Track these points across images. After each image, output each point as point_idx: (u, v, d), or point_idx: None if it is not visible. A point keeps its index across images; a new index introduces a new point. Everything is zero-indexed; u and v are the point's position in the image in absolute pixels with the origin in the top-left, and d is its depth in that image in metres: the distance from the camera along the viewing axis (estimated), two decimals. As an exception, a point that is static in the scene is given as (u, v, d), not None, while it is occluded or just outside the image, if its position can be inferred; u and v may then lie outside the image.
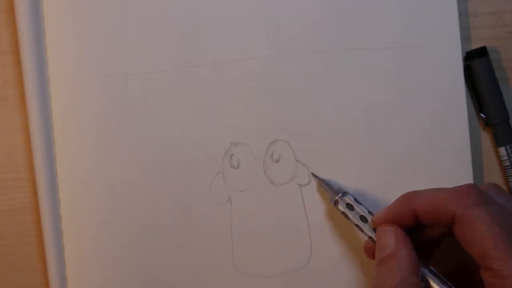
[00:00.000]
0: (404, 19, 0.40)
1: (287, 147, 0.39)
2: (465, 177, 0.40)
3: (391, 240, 0.32)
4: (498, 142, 0.41)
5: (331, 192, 0.37)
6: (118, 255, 0.38)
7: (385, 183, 0.39)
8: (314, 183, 0.39)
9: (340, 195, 0.37)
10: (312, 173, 0.39)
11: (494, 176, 0.42)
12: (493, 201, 0.30)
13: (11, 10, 0.38)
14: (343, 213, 0.36)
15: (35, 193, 0.39)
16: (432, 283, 0.31)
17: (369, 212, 0.35)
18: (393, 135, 0.40)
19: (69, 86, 0.38)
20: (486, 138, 0.42)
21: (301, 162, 0.39)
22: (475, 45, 0.41)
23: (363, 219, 0.35)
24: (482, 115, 0.41)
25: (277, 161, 0.39)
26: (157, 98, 0.39)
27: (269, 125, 0.39)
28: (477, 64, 0.40)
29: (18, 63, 0.38)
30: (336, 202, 0.37)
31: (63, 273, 0.38)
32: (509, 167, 0.41)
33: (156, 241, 0.39)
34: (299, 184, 0.39)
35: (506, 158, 0.41)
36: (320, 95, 0.39)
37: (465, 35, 0.41)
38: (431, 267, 0.32)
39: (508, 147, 0.41)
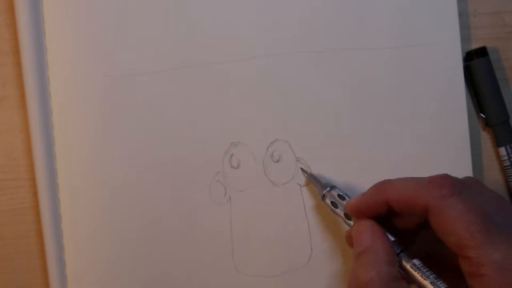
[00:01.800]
0: (404, 19, 0.40)
1: (287, 147, 0.39)
2: (465, 177, 0.40)
3: (367, 234, 0.32)
4: (498, 142, 0.41)
5: (319, 186, 0.38)
6: (118, 255, 0.38)
7: (385, 182, 0.39)
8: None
9: (327, 189, 0.37)
10: (301, 168, 0.39)
11: (494, 176, 0.42)
12: (467, 191, 0.30)
13: (11, 10, 0.38)
14: (330, 207, 0.36)
15: (35, 193, 0.39)
16: (411, 271, 0.31)
17: None
18: (393, 135, 0.40)
19: (69, 86, 0.38)
20: (486, 138, 0.42)
21: (301, 162, 0.39)
22: (475, 45, 0.41)
23: (347, 216, 0.35)
24: (482, 115, 0.41)
25: (277, 161, 0.39)
26: (156, 98, 0.39)
27: (269, 125, 0.39)
28: (477, 64, 0.40)
29: (18, 63, 0.38)
30: (324, 196, 0.37)
31: (63, 273, 0.38)
32: (509, 167, 0.41)
33: (156, 241, 0.39)
34: (299, 184, 0.39)
35: (506, 158, 0.41)
36: (320, 95, 0.39)
37: (465, 35, 0.41)
38: (412, 260, 0.32)
39: (508, 147, 0.41)
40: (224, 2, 0.39)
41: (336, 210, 0.36)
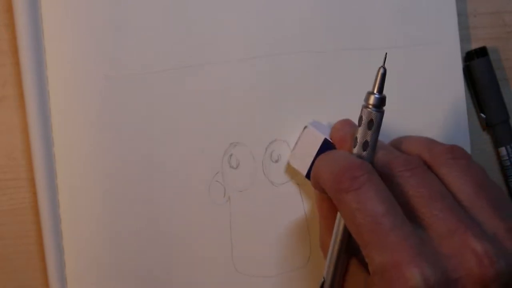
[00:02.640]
0: (404, 19, 0.40)
1: (286, 147, 0.39)
2: (465, 177, 0.40)
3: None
4: (498, 142, 0.41)
5: None
6: (117, 255, 0.38)
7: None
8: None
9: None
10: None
11: (494, 176, 0.42)
12: (366, 186, 0.29)
13: (10, 10, 0.38)
14: None
15: (35, 193, 0.39)
16: None
17: None
18: (393, 135, 0.39)
19: (68, 86, 0.38)
20: (486, 138, 0.42)
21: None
22: (475, 45, 0.41)
23: None
24: (482, 115, 0.41)
25: (276, 161, 0.39)
26: (156, 98, 0.39)
27: (268, 125, 0.39)
28: (477, 64, 0.40)
29: (17, 63, 0.38)
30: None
31: (62, 273, 0.38)
32: (509, 167, 0.41)
33: (156, 241, 0.39)
34: (298, 184, 0.39)
35: (506, 158, 0.41)
36: (320, 95, 0.39)
37: (465, 35, 0.41)
38: None
39: (508, 147, 0.41)
40: (224, 2, 0.39)
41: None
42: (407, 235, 0.27)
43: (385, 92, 0.40)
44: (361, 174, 0.29)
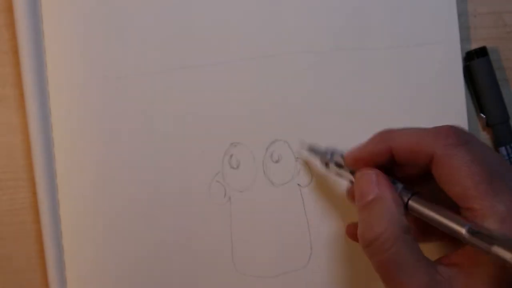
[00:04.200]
0: (404, 19, 0.40)
1: (286, 148, 0.39)
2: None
3: (373, 183, 0.31)
4: (498, 142, 0.41)
5: (320, 154, 0.36)
6: (117, 255, 0.38)
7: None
8: (314, 183, 0.39)
9: (329, 155, 0.35)
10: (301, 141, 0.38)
11: (494, 176, 0.42)
12: (473, 141, 0.29)
13: (10, 10, 0.38)
14: (336, 171, 0.35)
15: (34, 193, 0.39)
16: (426, 211, 0.30)
17: None
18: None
19: (68, 87, 0.38)
20: (486, 138, 0.42)
21: (300, 162, 0.39)
22: (475, 45, 0.41)
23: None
24: (482, 115, 0.41)
25: (277, 161, 0.39)
26: (156, 99, 0.39)
27: (268, 126, 0.39)
28: (477, 64, 0.40)
29: (18, 64, 0.38)
30: (326, 164, 0.36)
31: (62, 273, 0.38)
32: (509, 167, 0.41)
33: (156, 241, 0.39)
34: (299, 185, 0.39)
35: (507, 158, 0.41)
36: (320, 95, 0.39)
37: (465, 35, 0.41)
38: (423, 201, 0.30)
39: (508, 147, 0.41)
40: (224, 3, 0.39)
41: (342, 170, 0.34)
42: None
43: (385, 91, 0.40)
44: None
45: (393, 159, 0.31)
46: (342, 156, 0.34)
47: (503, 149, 0.41)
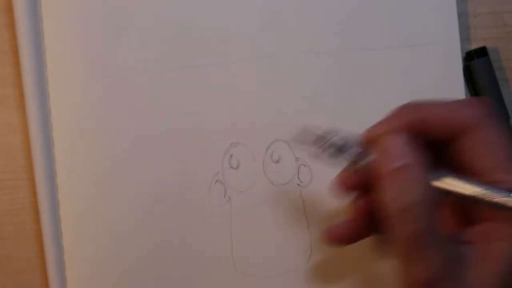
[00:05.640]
0: (404, 19, 0.40)
1: (286, 148, 0.39)
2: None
3: (405, 148, 0.27)
4: (498, 142, 0.41)
5: (318, 136, 0.32)
6: (117, 255, 0.38)
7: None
8: (314, 183, 0.39)
9: (330, 136, 0.31)
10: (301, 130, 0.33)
11: (494, 176, 0.42)
12: (499, 116, 0.29)
13: (10, 10, 0.38)
14: (334, 156, 0.31)
15: (35, 193, 0.39)
16: (458, 183, 0.28)
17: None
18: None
19: (68, 87, 0.38)
20: (486, 138, 0.42)
21: (300, 162, 0.39)
22: (475, 45, 0.41)
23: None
24: (482, 115, 0.41)
25: (277, 161, 0.39)
26: (156, 99, 0.39)
27: (268, 125, 0.39)
28: (477, 64, 0.40)
29: (18, 64, 0.38)
30: (324, 148, 0.31)
31: (62, 273, 0.38)
32: (509, 167, 0.41)
33: (156, 241, 0.39)
34: (299, 185, 0.39)
35: (506, 158, 0.41)
36: (320, 95, 0.39)
37: (465, 35, 0.41)
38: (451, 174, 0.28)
39: (508, 147, 0.41)
40: (224, 3, 0.39)
41: (345, 155, 0.30)
42: None
43: (385, 91, 0.40)
44: None
45: (419, 133, 0.28)
46: (345, 138, 0.31)
47: (503, 149, 0.41)
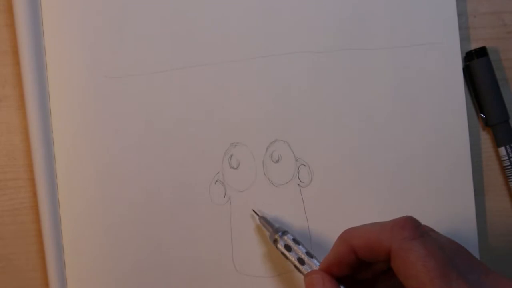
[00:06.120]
0: (404, 19, 0.40)
1: (286, 148, 0.39)
2: (465, 177, 0.40)
3: (318, 286, 0.32)
4: (498, 142, 0.41)
5: (271, 230, 0.37)
6: (117, 255, 0.38)
7: (385, 180, 0.39)
8: (314, 183, 0.39)
9: (279, 234, 0.36)
10: (253, 210, 0.39)
11: (493, 176, 0.42)
12: (428, 234, 0.30)
13: (10, 10, 0.38)
14: (282, 253, 0.36)
15: (35, 193, 0.39)
16: None
17: (307, 253, 0.35)
18: (393, 135, 0.40)
19: (68, 87, 0.38)
20: (486, 138, 0.42)
21: (300, 162, 0.39)
22: (475, 45, 0.41)
23: (301, 261, 0.35)
24: (482, 115, 0.41)
25: (277, 161, 0.39)
26: (156, 99, 0.39)
27: (268, 126, 0.39)
28: (477, 64, 0.40)
29: (18, 63, 0.38)
30: (275, 241, 0.36)
31: (62, 273, 0.38)
32: (509, 167, 0.41)
33: (156, 241, 0.39)
34: (298, 185, 0.39)
35: (506, 158, 0.41)
36: (320, 95, 0.39)
37: (465, 35, 0.41)
38: None
39: (508, 147, 0.41)
40: (223, 3, 0.39)
41: (289, 254, 0.35)
42: None
43: (384, 91, 0.40)
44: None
45: (358, 257, 0.32)
46: (292, 239, 0.36)
47: (503, 149, 0.41)
